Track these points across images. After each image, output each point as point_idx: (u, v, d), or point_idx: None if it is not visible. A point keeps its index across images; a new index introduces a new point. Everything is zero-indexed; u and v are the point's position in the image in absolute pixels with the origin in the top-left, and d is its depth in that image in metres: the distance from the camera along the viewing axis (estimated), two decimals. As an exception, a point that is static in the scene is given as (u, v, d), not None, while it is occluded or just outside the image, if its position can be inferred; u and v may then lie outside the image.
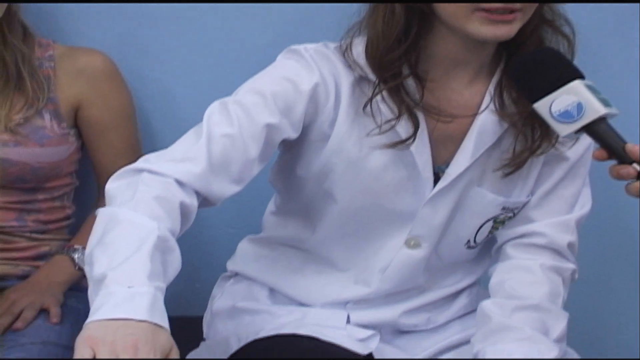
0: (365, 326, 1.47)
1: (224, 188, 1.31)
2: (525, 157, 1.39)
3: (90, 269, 1.16)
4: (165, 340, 1.10)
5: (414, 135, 1.34)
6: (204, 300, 1.71)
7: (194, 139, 1.30)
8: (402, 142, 1.35)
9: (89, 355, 1.06)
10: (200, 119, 1.33)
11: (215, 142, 1.29)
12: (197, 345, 1.61)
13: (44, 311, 1.55)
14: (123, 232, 1.16)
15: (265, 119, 1.32)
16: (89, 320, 1.09)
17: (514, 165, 1.39)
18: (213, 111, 1.32)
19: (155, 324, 1.09)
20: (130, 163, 1.23)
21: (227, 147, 1.29)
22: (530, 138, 1.38)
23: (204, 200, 1.31)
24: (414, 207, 1.42)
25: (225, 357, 1.46)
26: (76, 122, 1.70)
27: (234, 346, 1.44)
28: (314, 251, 1.51)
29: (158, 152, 1.32)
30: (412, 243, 1.45)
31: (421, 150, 1.37)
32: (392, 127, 1.34)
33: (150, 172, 1.25)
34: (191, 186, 1.27)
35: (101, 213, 1.22)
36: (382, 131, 1.35)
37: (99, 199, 1.77)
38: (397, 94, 1.34)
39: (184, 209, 1.24)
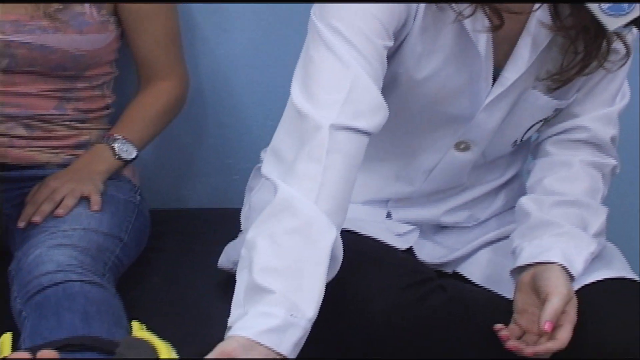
0: (405, 223, 1.47)
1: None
2: (573, 75, 1.36)
3: (249, 256, 1.14)
4: None
5: (483, 31, 1.30)
6: (242, 193, 1.71)
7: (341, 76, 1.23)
8: (469, 40, 1.32)
9: None
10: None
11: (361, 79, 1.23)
12: (235, 237, 1.63)
13: (84, 199, 1.56)
14: (299, 238, 1.14)
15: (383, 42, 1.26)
16: (234, 330, 1.09)
17: (561, 81, 1.36)
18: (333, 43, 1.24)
19: None
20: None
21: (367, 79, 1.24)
22: (580, 55, 1.35)
23: None
24: (469, 111, 1.39)
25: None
26: (116, 10, 1.68)
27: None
28: None
29: (305, 88, 1.24)
30: (462, 146, 1.43)
31: (486, 51, 1.33)
32: (462, 26, 1.30)
33: (335, 127, 1.19)
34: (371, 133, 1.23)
35: (280, 190, 1.18)
36: (450, 32, 1.31)
37: (140, 90, 1.77)
38: None
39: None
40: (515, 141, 1.46)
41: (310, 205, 1.16)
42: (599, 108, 1.43)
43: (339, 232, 1.18)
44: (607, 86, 1.42)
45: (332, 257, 1.16)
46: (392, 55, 1.32)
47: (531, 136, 1.50)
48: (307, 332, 1.11)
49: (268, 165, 1.24)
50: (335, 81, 1.22)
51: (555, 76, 1.36)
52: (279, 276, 1.11)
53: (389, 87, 1.35)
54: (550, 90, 1.39)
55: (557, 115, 1.44)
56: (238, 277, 1.15)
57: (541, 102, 1.40)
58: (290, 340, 1.08)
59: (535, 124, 1.43)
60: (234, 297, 1.14)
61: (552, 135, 1.47)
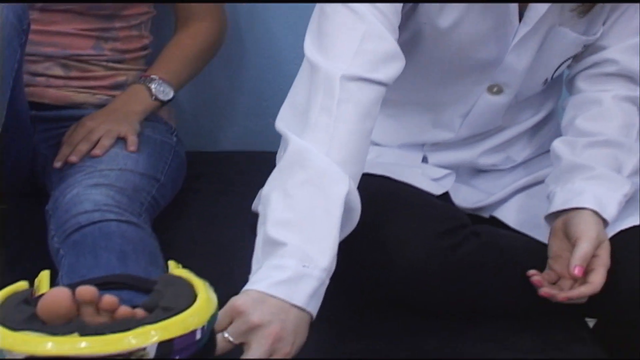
0: (441, 166, 1.46)
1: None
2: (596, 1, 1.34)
3: (264, 211, 1.14)
4: (304, 334, 1.10)
5: None
6: (279, 136, 1.71)
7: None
8: None
9: (224, 324, 1.06)
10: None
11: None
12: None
13: (120, 139, 1.56)
14: (311, 189, 1.13)
15: None
16: (248, 285, 1.09)
17: (585, 12, 1.34)
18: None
19: (307, 312, 1.09)
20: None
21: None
22: None
23: None
24: (498, 55, 1.38)
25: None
26: (154, -50, 1.68)
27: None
28: (391, 97, 1.49)
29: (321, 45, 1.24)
30: (494, 89, 1.42)
31: None
32: None
33: (347, 77, 1.19)
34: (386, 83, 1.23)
35: (292, 143, 1.18)
36: None
37: (177, 31, 1.76)
38: None
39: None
40: (546, 80, 1.45)
41: (321, 156, 1.16)
42: (626, 39, 1.41)
43: (356, 183, 1.18)
44: (633, 16, 1.39)
45: (348, 208, 1.15)
46: (414, 6, 1.31)
47: (563, 72, 1.48)
48: (324, 282, 1.11)
49: (282, 119, 1.25)
50: (348, 32, 1.22)
51: (580, 7, 1.34)
52: (292, 228, 1.11)
53: (415, 39, 1.35)
54: (576, 26, 1.37)
55: (586, 50, 1.42)
56: (258, 234, 1.15)
57: (569, 39, 1.38)
58: (305, 291, 1.08)
59: (565, 61, 1.42)
60: (253, 254, 1.14)
61: (582, 70, 1.45)
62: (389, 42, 1.23)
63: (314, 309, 1.10)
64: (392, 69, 1.23)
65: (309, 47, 1.24)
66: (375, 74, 1.21)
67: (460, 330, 1.32)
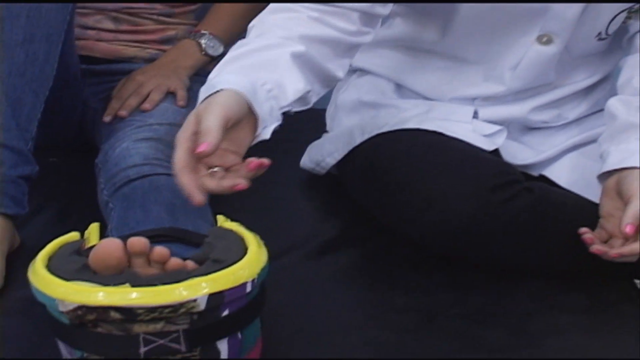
0: (492, 122, 1.45)
1: None
2: None
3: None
4: None
5: None
6: (327, 93, 1.70)
7: None
8: None
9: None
10: None
11: None
12: (318, 137, 1.62)
13: (170, 94, 1.56)
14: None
15: None
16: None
17: None
18: None
19: None
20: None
21: None
22: None
23: None
24: (544, 3, 1.36)
25: (348, 149, 1.46)
26: None
27: (358, 139, 1.44)
28: (442, 51, 1.48)
29: None
30: (544, 39, 1.40)
31: None
32: None
33: None
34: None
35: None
36: None
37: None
38: None
39: None
40: (600, 34, 1.42)
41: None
42: None
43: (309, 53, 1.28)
44: None
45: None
46: None
47: (625, 35, 1.46)
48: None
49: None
50: None
51: None
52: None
53: None
54: None
55: None
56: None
57: None
58: None
59: (618, 14, 1.39)
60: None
61: None
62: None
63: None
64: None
65: None
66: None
67: (507, 287, 1.31)
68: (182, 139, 1.11)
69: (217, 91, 1.16)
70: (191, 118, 1.13)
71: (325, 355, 1.12)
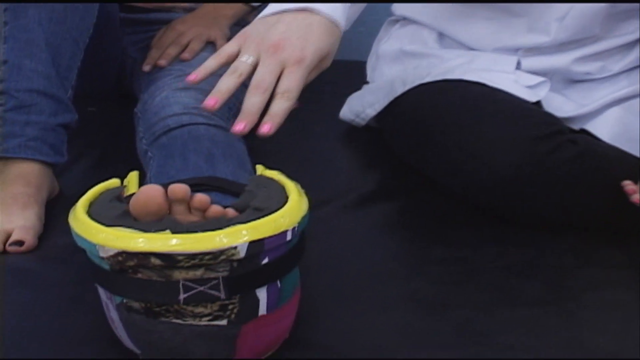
0: (535, 73, 1.43)
1: None
2: None
3: None
4: (319, 38, 1.10)
5: None
6: (367, 45, 1.69)
7: None
8: None
9: (231, 51, 1.08)
10: None
11: None
12: (358, 88, 1.61)
13: (210, 44, 1.56)
14: None
15: None
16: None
17: None
18: None
19: (325, 17, 1.10)
20: None
21: None
22: None
23: None
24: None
25: (389, 100, 1.45)
26: None
27: (399, 89, 1.43)
28: (488, 1, 1.46)
29: None
30: None
31: None
32: None
33: None
34: None
35: None
36: None
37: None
38: None
39: None
40: None
41: None
42: None
43: None
44: None
45: None
46: None
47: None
48: None
49: None
50: None
51: None
52: None
53: None
54: None
55: None
56: None
57: None
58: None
59: None
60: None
61: None
62: None
63: (332, 12, 1.11)
64: None
65: None
66: None
67: (546, 241, 1.30)
68: None
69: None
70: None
71: (364, 306, 1.12)
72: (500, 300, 1.15)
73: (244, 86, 1.54)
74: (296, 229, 0.93)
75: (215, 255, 0.88)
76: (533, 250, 1.28)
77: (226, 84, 1.09)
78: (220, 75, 1.49)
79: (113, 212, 0.94)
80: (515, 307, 1.14)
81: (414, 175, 1.44)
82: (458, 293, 1.17)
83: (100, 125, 1.63)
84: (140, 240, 0.88)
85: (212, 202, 0.97)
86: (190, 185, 0.98)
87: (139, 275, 0.90)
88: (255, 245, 0.89)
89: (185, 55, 1.53)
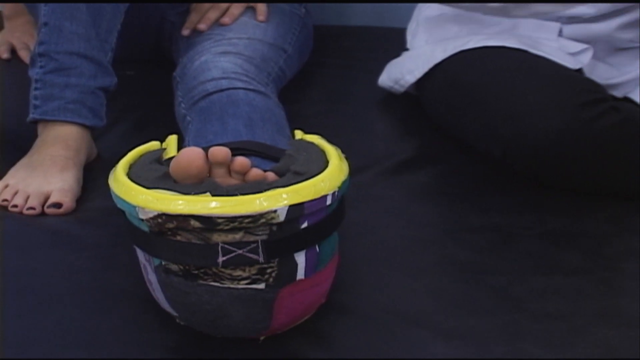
0: (577, 40, 1.42)
1: None
2: None
3: None
4: None
5: None
6: (405, 12, 1.68)
7: None
8: None
9: None
10: None
11: None
12: (397, 55, 1.60)
13: (250, 8, 1.55)
14: None
15: None
16: None
17: None
18: None
19: None
20: None
21: None
22: None
23: None
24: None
25: (429, 66, 1.44)
26: None
27: (439, 56, 1.42)
28: None
29: None
30: None
31: None
32: None
33: None
34: None
35: None
36: None
37: None
38: None
39: None
40: None
41: None
42: None
43: None
44: None
45: None
46: None
47: None
48: None
49: None
50: None
51: None
52: None
53: None
54: None
55: None
56: None
57: None
58: None
59: None
60: None
61: None
62: None
63: None
64: None
65: None
66: None
67: (584, 209, 1.29)
68: None
69: None
70: None
71: (400, 271, 1.12)
72: (537, 267, 1.15)
73: (285, 53, 1.54)
74: (336, 193, 0.93)
75: (254, 218, 0.88)
76: (571, 218, 1.27)
77: None
78: (261, 40, 1.50)
79: (153, 174, 0.94)
80: (552, 274, 1.13)
81: (451, 143, 1.43)
82: (494, 260, 1.16)
83: (138, 89, 1.63)
84: (180, 202, 0.88)
85: (252, 166, 0.97)
86: (230, 149, 0.98)
87: (178, 238, 0.90)
88: (295, 209, 0.89)
89: (225, 19, 1.52)
